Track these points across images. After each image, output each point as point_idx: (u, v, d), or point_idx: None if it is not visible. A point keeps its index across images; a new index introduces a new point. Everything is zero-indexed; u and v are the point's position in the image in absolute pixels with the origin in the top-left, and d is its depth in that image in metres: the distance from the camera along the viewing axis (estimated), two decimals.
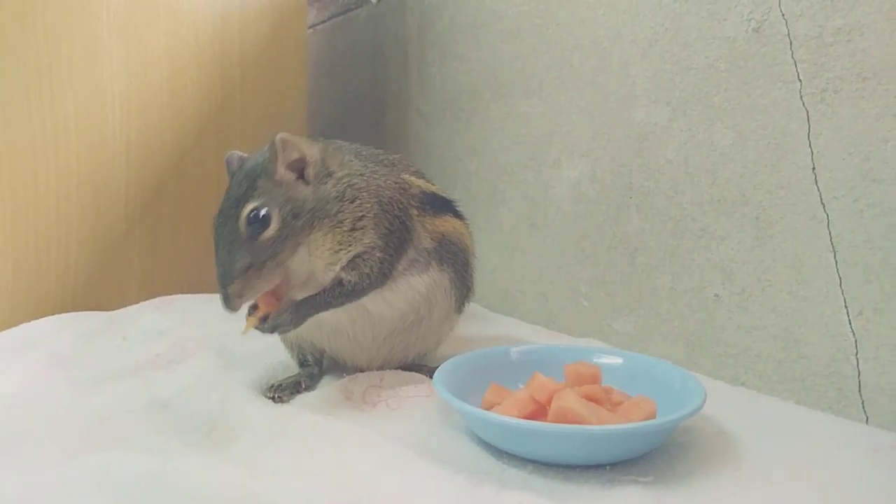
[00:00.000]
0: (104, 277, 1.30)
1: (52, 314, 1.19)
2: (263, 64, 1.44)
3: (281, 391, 0.79)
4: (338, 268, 0.76)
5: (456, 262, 0.88)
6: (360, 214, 0.77)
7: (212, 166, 1.40)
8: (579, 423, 0.60)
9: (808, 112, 0.88)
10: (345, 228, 0.76)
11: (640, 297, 1.12)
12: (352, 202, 0.77)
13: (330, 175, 0.77)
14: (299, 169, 0.76)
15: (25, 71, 1.19)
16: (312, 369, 0.87)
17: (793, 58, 0.89)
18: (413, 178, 0.87)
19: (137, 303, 1.29)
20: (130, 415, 0.76)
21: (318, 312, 0.77)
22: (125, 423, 0.74)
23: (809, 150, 0.88)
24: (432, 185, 0.93)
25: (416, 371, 0.88)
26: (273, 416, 0.73)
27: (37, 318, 1.16)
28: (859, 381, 0.84)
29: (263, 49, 1.43)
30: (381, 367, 0.86)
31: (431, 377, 0.85)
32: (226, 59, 1.39)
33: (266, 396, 0.79)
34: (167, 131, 1.35)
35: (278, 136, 0.75)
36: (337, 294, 0.77)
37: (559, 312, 1.27)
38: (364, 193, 0.78)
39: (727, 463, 0.62)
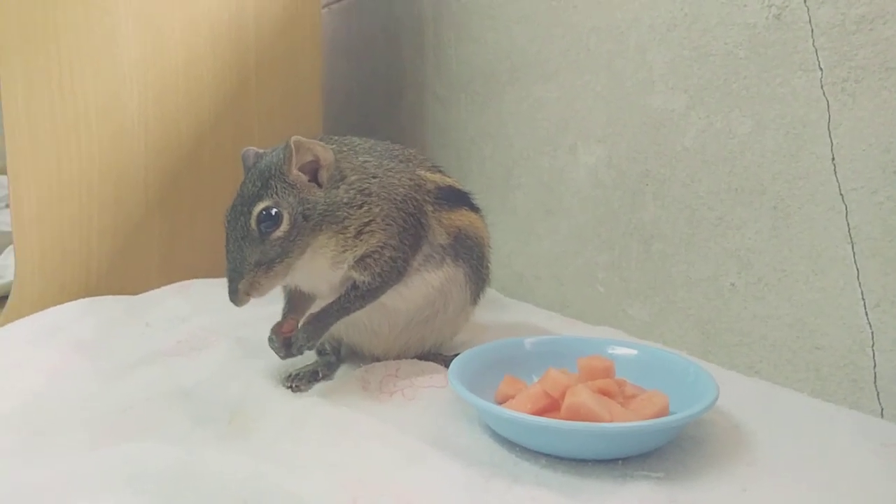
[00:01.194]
0: (125, 263, 1.33)
1: (77, 298, 1.22)
2: (279, 49, 1.43)
3: (299, 380, 0.81)
4: (345, 266, 0.78)
5: (471, 256, 0.89)
6: (368, 219, 0.78)
7: (228, 152, 1.40)
8: (592, 419, 0.61)
9: (828, 102, 0.86)
10: (349, 235, 0.77)
11: (656, 284, 1.12)
12: (360, 207, 0.77)
13: (343, 179, 0.78)
14: (313, 171, 0.77)
15: (46, 62, 1.20)
16: (330, 358, 0.88)
17: (814, 46, 0.88)
18: (428, 174, 0.88)
19: (157, 287, 1.31)
20: (153, 404, 0.78)
21: (338, 320, 0.79)
22: (148, 413, 0.76)
23: (829, 140, 0.87)
24: (448, 177, 0.93)
25: (432, 360, 0.89)
26: (292, 406, 0.75)
27: (61, 303, 1.19)
28: (875, 373, 0.84)
29: (279, 34, 1.43)
30: (397, 357, 0.88)
31: (447, 366, 0.87)
32: (241, 45, 1.39)
33: (284, 386, 0.81)
34: (184, 119, 1.36)
35: (293, 139, 0.76)
36: (353, 298, 0.78)
37: (574, 298, 1.28)
38: (374, 197, 0.78)
39: (739, 458, 0.63)
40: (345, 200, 0.77)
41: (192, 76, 1.35)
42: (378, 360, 0.87)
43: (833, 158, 0.87)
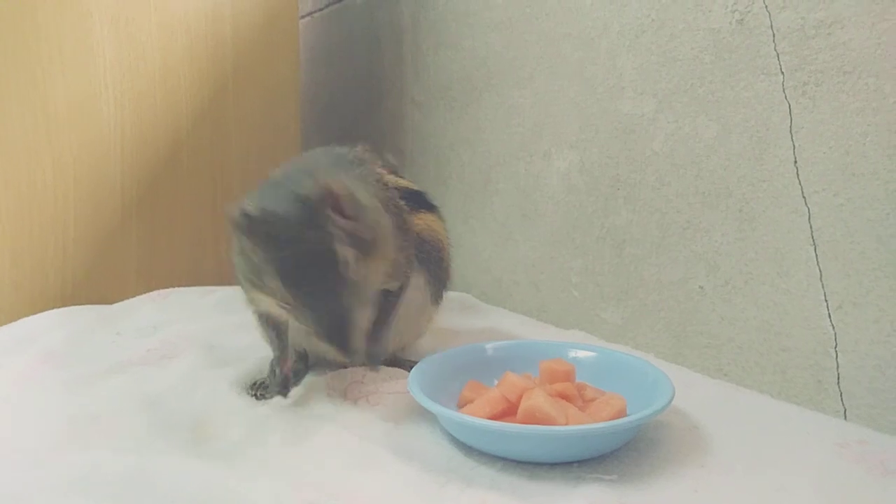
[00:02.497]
0: (101, 271, 1.33)
1: (51, 308, 1.22)
2: (255, 55, 1.44)
3: (264, 389, 0.81)
4: (392, 284, 0.80)
5: (430, 259, 0.89)
6: (384, 233, 0.77)
7: (206, 158, 1.41)
8: (547, 422, 0.62)
9: (790, 105, 0.87)
10: (389, 258, 0.77)
11: (628, 289, 1.13)
12: (378, 227, 0.76)
13: (362, 208, 0.74)
14: (340, 209, 0.71)
15: (18, 67, 1.20)
16: (297, 365, 0.88)
17: (775, 50, 0.89)
18: (385, 173, 0.88)
19: (134, 294, 1.31)
20: (118, 412, 0.78)
21: (391, 327, 0.81)
22: (112, 421, 0.76)
23: (791, 143, 0.88)
24: (401, 178, 0.94)
25: (398, 366, 0.89)
26: (255, 414, 0.75)
27: (36, 313, 1.19)
28: (838, 374, 0.84)
29: (255, 40, 1.44)
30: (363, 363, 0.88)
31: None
32: (218, 52, 1.40)
33: (249, 394, 0.81)
34: (161, 124, 1.36)
35: (319, 185, 0.69)
36: (394, 304, 0.81)
37: (550, 302, 1.28)
38: (374, 212, 0.76)
39: (694, 459, 0.63)
40: (377, 220, 0.76)
41: (169, 82, 1.35)
42: (344, 366, 0.87)
43: (795, 161, 0.87)
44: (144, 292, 1.33)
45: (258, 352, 0.96)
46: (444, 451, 0.66)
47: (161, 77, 1.35)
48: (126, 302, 1.25)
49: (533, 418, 0.62)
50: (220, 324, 1.10)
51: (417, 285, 0.88)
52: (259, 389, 0.81)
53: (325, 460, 0.63)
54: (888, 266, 0.79)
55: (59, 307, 1.24)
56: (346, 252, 0.69)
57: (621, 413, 0.66)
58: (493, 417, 0.64)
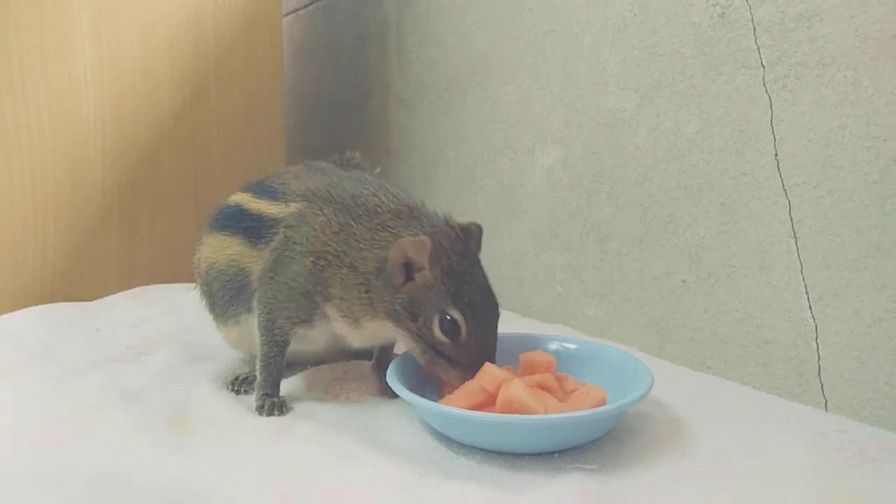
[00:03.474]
0: (82, 268, 1.31)
1: (31, 306, 1.20)
2: (238, 52, 1.43)
3: (245, 384, 0.80)
4: None
5: None
6: None
7: (188, 157, 1.40)
8: (525, 412, 0.61)
9: (770, 98, 0.88)
10: None
11: (612, 284, 1.13)
12: None
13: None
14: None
15: None
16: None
17: (756, 43, 0.89)
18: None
19: (115, 291, 1.30)
20: (96, 408, 0.77)
21: None
22: (90, 417, 0.75)
23: (772, 136, 0.88)
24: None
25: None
26: (233, 410, 0.74)
27: (15, 311, 1.17)
28: (819, 366, 0.85)
29: (238, 38, 1.43)
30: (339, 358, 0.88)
31: None
32: (200, 49, 1.39)
33: (229, 390, 0.80)
34: (142, 122, 1.35)
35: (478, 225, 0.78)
36: None
37: (535, 299, 1.28)
38: None
39: (674, 450, 0.63)
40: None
41: (150, 79, 1.34)
42: (324, 362, 0.87)
43: (776, 154, 0.88)
44: (125, 290, 1.31)
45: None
46: (423, 443, 0.65)
47: (142, 74, 1.33)
48: (106, 298, 1.24)
49: (511, 408, 0.62)
50: (198, 320, 1.09)
51: None
52: (240, 384, 0.80)
53: (301, 455, 0.62)
54: (868, 257, 0.79)
55: (38, 305, 1.23)
56: None
57: (601, 404, 0.65)
58: (473, 408, 0.64)
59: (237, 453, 0.65)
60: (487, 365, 0.67)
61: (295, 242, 0.75)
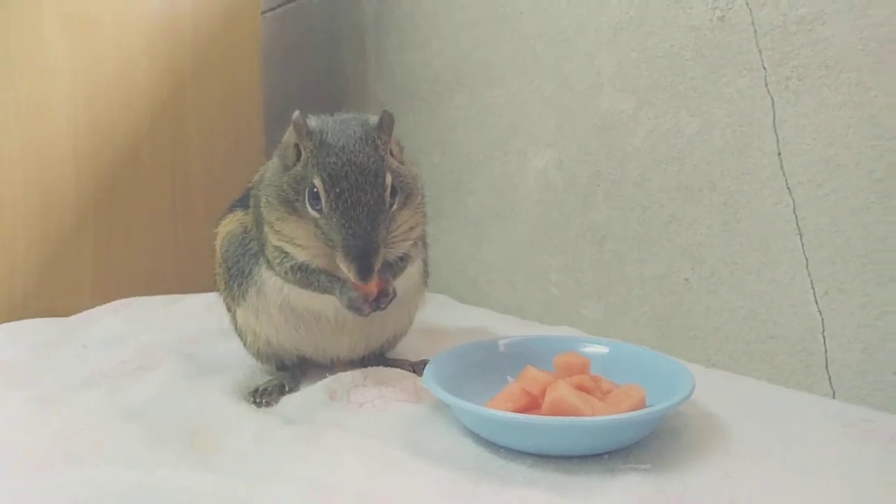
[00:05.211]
0: (54, 278, 1.25)
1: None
2: (217, 51, 1.39)
3: (266, 395, 0.77)
4: (407, 244, 0.77)
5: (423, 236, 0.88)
6: (421, 195, 0.78)
7: (166, 158, 1.35)
8: (574, 413, 0.61)
9: (773, 100, 0.90)
10: (416, 209, 0.78)
11: (609, 284, 1.13)
12: (416, 180, 0.78)
13: (401, 150, 0.78)
14: (390, 147, 0.75)
15: None
16: (294, 370, 0.85)
17: (757, 46, 0.91)
18: None
19: (90, 304, 1.23)
20: (102, 426, 0.72)
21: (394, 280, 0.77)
22: (97, 436, 0.70)
23: (775, 136, 0.90)
24: None
25: (398, 366, 0.87)
26: (257, 421, 0.71)
27: None
28: (826, 358, 0.87)
29: (216, 36, 1.38)
30: (361, 356, 0.86)
31: (413, 371, 0.85)
32: (177, 47, 1.34)
33: (250, 402, 0.77)
34: (118, 123, 1.29)
35: (385, 111, 0.75)
36: (400, 266, 0.78)
37: (528, 301, 1.28)
38: (414, 171, 0.79)
39: (715, 446, 0.63)
40: (413, 174, 0.77)
41: (126, 79, 1.28)
42: (342, 361, 0.85)
43: (779, 154, 0.90)
44: (101, 303, 1.25)
45: (242, 360, 0.92)
46: (467, 449, 0.64)
47: (117, 74, 1.28)
48: (85, 313, 1.17)
49: (560, 411, 0.61)
50: (193, 332, 1.05)
51: (416, 268, 0.86)
52: (261, 396, 0.77)
53: (342, 466, 0.60)
54: (873, 252, 0.82)
55: (7, 321, 1.15)
56: (390, 179, 0.70)
57: (642, 402, 0.65)
58: (517, 412, 0.63)
59: (271, 466, 0.62)
60: (529, 367, 0.66)
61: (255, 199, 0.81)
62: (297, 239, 0.74)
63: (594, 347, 0.77)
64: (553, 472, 0.58)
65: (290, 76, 1.99)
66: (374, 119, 0.77)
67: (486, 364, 0.76)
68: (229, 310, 0.88)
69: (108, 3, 1.25)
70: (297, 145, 0.74)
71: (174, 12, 1.32)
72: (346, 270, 0.68)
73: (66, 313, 1.21)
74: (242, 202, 0.89)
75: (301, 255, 0.75)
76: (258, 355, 0.86)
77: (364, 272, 0.67)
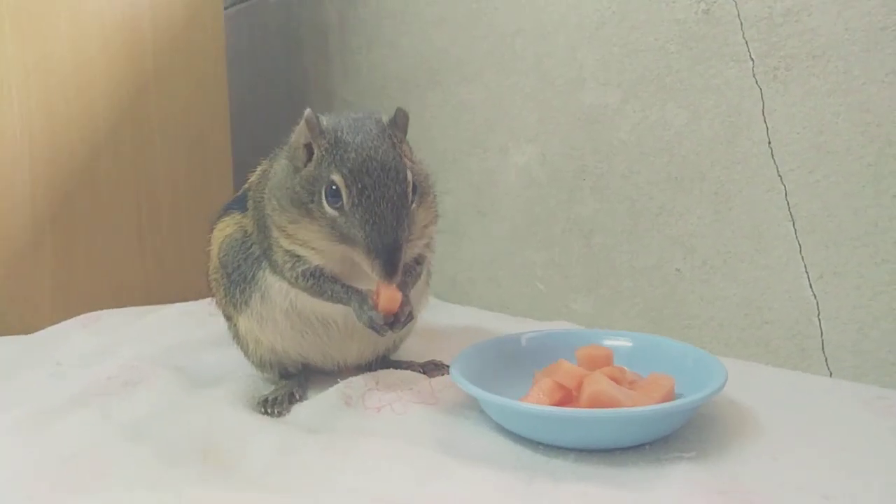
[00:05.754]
0: (10, 292, 1.16)
1: None
2: (179, 50, 1.32)
3: (277, 405, 0.73)
4: (422, 243, 0.75)
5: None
6: (433, 194, 0.76)
7: (128, 164, 1.27)
8: (615, 405, 0.60)
9: (761, 90, 0.92)
10: (429, 207, 0.75)
11: (599, 277, 1.14)
12: (427, 178, 0.76)
13: (410, 149, 0.76)
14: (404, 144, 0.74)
15: None
16: (299, 378, 0.81)
17: (744, 38, 0.93)
18: None
19: (50, 321, 1.15)
20: (103, 448, 0.67)
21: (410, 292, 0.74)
22: (99, 459, 0.65)
23: (765, 125, 0.92)
24: None
25: (406, 368, 0.84)
26: (273, 433, 0.67)
27: None
28: (822, 340, 0.90)
29: (178, 35, 1.32)
30: (368, 360, 0.83)
31: (423, 373, 0.82)
32: (137, 48, 1.27)
33: (261, 412, 0.73)
34: (75, 129, 1.21)
35: (403, 110, 0.73)
36: (417, 274, 0.76)
37: (513, 298, 1.27)
38: (427, 170, 0.78)
39: (749, 430, 0.64)
40: (426, 172, 0.74)
41: (83, 82, 1.20)
42: (348, 366, 0.82)
43: (770, 142, 0.92)
44: (61, 319, 1.16)
45: (236, 368, 0.87)
46: (505, 448, 0.62)
47: (73, 77, 1.20)
48: (49, 330, 1.09)
49: (600, 402, 0.60)
50: (176, 343, 0.99)
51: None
52: (272, 406, 0.73)
53: (388, 472, 0.57)
54: (866, 235, 0.85)
55: None
56: (411, 176, 0.69)
57: (671, 392, 0.65)
58: (554, 406, 0.62)
59: (304, 479, 0.58)
60: (562, 361, 0.65)
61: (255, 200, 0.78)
62: (310, 242, 0.71)
63: (615, 340, 0.76)
64: (600, 466, 0.57)
65: (246, 75, 1.92)
66: (385, 117, 0.74)
67: (509, 359, 0.75)
68: (229, 318, 0.84)
69: (59, 1, 1.17)
70: (307, 145, 0.71)
71: (133, 11, 1.25)
72: (370, 269, 0.66)
73: (25, 331, 1.13)
74: (239, 204, 0.84)
75: (315, 259, 0.72)
76: (260, 364, 0.82)
77: (390, 269, 0.65)
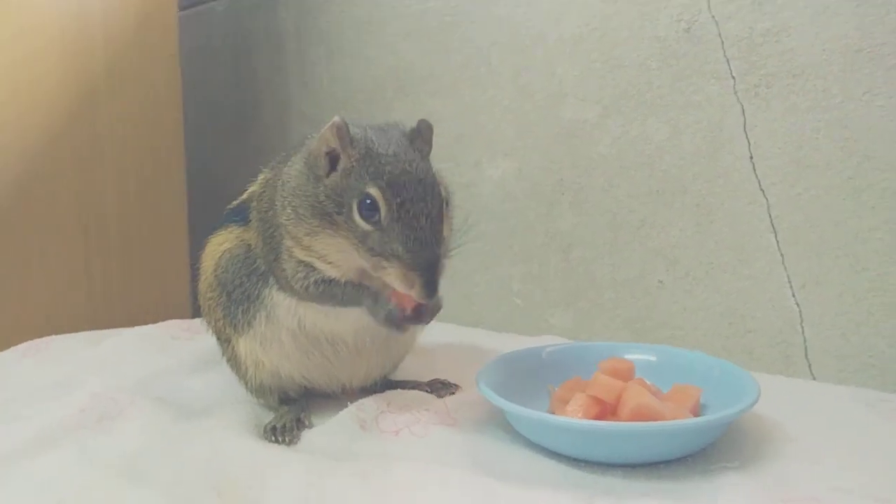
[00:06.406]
0: None
1: None
2: (131, 54, 1.24)
3: (287, 432, 0.67)
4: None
5: None
6: (450, 201, 0.74)
7: (73, 175, 1.18)
8: (656, 418, 0.59)
9: (743, 106, 0.96)
10: (449, 216, 0.72)
11: (578, 291, 1.14)
12: (446, 190, 0.73)
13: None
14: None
15: None
16: (301, 402, 0.76)
17: (725, 56, 0.96)
18: None
19: None
20: (91, 491, 0.60)
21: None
22: (98, 502, 0.58)
23: (746, 140, 0.96)
24: None
25: (413, 387, 0.81)
26: (295, 461, 0.62)
27: None
28: (805, 347, 0.93)
29: (130, 38, 1.23)
30: (374, 381, 0.79)
31: (431, 392, 0.79)
32: (87, 50, 1.17)
33: (270, 441, 0.67)
34: (12, 134, 1.10)
35: (427, 121, 0.71)
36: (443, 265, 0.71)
37: (488, 313, 1.26)
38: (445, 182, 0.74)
39: (777, 438, 0.65)
40: (446, 184, 0.72)
41: (28, 86, 1.10)
42: (353, 389, 0.77)
43: (751, 157, 0.96)
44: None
45: (224, 395, 0.81)
46: (546, 466, 0.60)
47: (15, 80, 1.10)
48: None
49: (641, 416, 0.59)
50: (148, 370, 0.91)
51: None
52: (283, 434, 0.67)
53: (437, 498, 0.54)
54: (847, 245, 0.89)
55: None
56: (444, 190, 0.68)
57: (697, 403, 0.65)
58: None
59: None
60: (598, 374, 0.64)
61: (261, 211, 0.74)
62: (328, 256, 0.67)
63: (636, 354, 0.76)
64: (652, 481, 0.56)
65: (191, 85, 1.82)
66: (407, 128, 0.71)
67: (527, 373, 0.73)
68: (227, 340, 0.77)
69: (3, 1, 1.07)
70: (329, 153, 0.67)
71: (81, 10, 1.16)
72: (407, 287, 0.62)
73: None
74: (238, 216, 0.78)
75: (331, 272, 0.68)
76: (259, 388, 0.76)
77: (430, 287, 0.62)
